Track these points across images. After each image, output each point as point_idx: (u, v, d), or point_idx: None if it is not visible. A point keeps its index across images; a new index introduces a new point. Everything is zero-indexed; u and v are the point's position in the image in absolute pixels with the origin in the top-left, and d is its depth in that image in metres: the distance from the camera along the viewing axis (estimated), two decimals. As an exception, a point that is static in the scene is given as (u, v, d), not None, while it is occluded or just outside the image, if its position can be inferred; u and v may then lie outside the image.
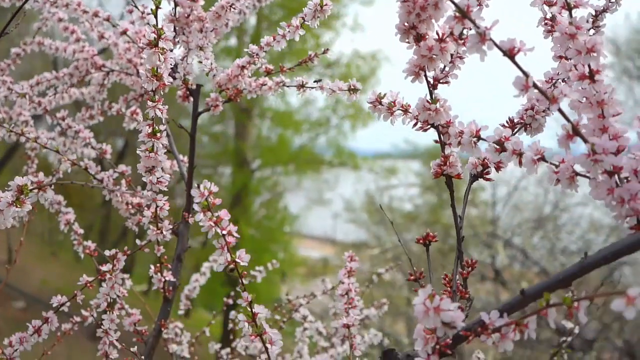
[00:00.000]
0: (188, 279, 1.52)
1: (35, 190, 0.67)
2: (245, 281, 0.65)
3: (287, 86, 0.99)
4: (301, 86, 0.96)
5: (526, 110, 0.68)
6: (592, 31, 0.73)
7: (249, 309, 0.65)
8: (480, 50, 0.51)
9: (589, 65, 0.54)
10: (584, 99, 0.55)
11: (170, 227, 0.92)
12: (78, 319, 1.15)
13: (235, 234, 0.63)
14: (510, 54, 0.51)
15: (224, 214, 0.63)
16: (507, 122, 0.69)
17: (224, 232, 0.63)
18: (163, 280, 0.98)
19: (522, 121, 0.69)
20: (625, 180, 0.52)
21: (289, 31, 0.90)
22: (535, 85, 0.51)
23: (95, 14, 1.12)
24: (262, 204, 11.88)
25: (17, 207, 0.68)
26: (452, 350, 0.56)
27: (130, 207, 1.04)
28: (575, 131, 0.52)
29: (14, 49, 1.34)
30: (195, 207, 0.62)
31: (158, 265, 0.97)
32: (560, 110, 0.52)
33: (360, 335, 1.38)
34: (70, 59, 1.27)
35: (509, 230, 6.75)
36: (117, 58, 1.17)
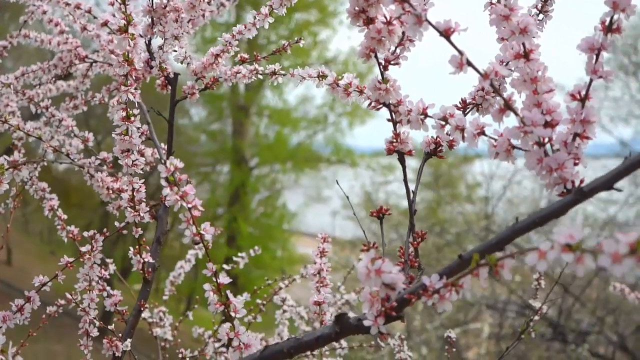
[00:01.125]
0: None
1: (11, 170, 0.71)
2: (227, 266, 0.69)
3: (261, 74, 1.02)
4: (273, 73, 1.00)
5: (477, 91, 0.72)
6: (541, 15, 0.77)
7: (214, 279, 0.69)
8: (418, 31, 0.55)
9: (523, 45, 0.58)
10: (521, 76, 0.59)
11: (147, 209, 0.96)
12: (62, 301, 1.18)
13: (200, 208, 0.67)
14: (446, 34, 0.55)
15: (190, 188, 0.67)
16: (459, 102, 0.73)
17: (190, 205, 0.67)
18: (142, 261, 1.01)
19: (473, 101, 0.72)
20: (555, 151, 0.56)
21: (258, 19, 0.94)
22: (469, 63, 0.55)
23: (77, 7, 1.15)
24: (261, 201, 11.91)
25: (-6, 185, 0.72)
26: (398, 313, 0.59)
27: (111, 192, 1.07)
28: (507, 105, 0.56)
29: (0, 42, 1.38)
30: (162, 182, 0.66)
31: (137, 247, 1.01)
32: (492, 86, 0.56)
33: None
34: (55, 50, 1.30)
35: (504, 225, 6.79)
36: (100, 49, 1.21)
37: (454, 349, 1.30)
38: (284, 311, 1.32)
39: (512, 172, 6.74)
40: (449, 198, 8.86)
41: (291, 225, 12.09)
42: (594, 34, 0.56)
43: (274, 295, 1.36)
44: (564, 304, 6.49)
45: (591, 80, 0.56)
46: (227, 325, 0.70)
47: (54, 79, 1.27)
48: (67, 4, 1.16)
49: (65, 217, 1.17)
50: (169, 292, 1.46)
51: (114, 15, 1.16)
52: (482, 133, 0.60)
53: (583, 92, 0.57)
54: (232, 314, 0.69)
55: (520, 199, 7.91)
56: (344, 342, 1.29)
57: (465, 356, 6.58)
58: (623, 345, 5.81)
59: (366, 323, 0.59)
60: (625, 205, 7.86)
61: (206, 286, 0.69)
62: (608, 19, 0.56)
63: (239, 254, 1.43)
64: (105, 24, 1.10)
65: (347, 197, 1.02)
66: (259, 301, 1.33)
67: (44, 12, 1.25)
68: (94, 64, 1.25)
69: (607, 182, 0.51)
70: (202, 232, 0.68)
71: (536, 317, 1.09)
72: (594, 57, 0.56)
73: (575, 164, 0.56)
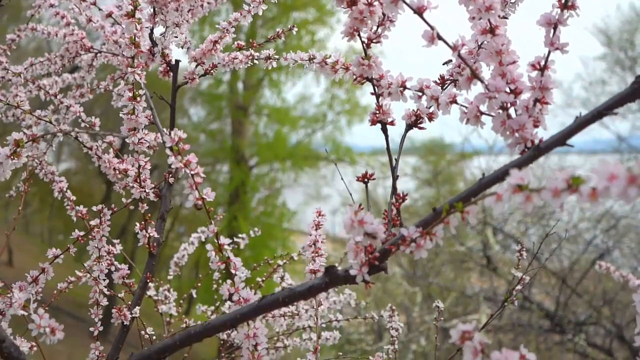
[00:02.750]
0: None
1: (30, 143, 0.78)
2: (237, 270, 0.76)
3: (256, 59, 1.09)
4: (268, 58, 1.07)
5: (455, 67, 0.79)
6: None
7: (216, 240, 0.76)
8: (394, 9, 0.62)
9: (489, 21, 0.65)
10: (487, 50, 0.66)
11: (152, 186, 1.03)
12: (73, 278, 1.25)
13: (202, 175, 0.74)
14: (419, 11, 0.62)
15: (192, 157, 0.74)
16: (438, 78, 0.80)
17: (193, 172, 0.73)
18: (148, 236, 1.08)
19: (451, 77, 0.79)
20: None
21: (253, 6, 1.01)
22: (439, 37, 0.62)
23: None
24: (260, 200, 11.97)
25: (14, 158, 0.79)
26: (381, 263, 0.66)
27: (117, 172, 1.14)
28: (474, 74, 0.63)
29: (9, 35, 1.44)
30: (167, 151, 0.73)
31: (143, 222, 1.08)
32: (460, 57, 0.63)
33: (336, 296, 1.49)
34: (61, 42, 1.37)
35: (501, 217, 6.86)
36: (104, 40, 1.28)
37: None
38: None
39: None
40: (448, 195, 8.94)
41: (291, 224, 12.14)
42: (552, 10, 0.63)
43: (273, 273, 1.43)
44: (561, 296, 6.57)
45: (549, 52, 0.63)
46: (228, 282, 0.77)
47: (60, 70, 1.34)
48: (74, -3, 1.22)
49: (74, 198, 1.24)
50: (173, 273, 1.53)
51: (118, 7, 1.23)
52: (454, 101, 0.67)
53: (542, 63, 0.64)
54: (233, 272, 0.76)
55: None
56: (339, 315, 1.36)
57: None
58: (620, 336, 5.88)
59: (352, 272, 0.66)
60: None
61: (208, 246, 0.76)
62: (564, -3, 0.63)
63: (240, 235, 1.50)
64: (109, 15, 1.17)
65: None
66: (258, 279, 1.39)
67: (51, 5, 1.32)
68: (98, 54, 1.32)
69: (560, 140, 0.58)
70: (204, 196, 0.75)
71: (518, 287, 1.16)
72: (552, 30, 0.63)
73: (536, 126, 0.63)
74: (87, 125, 1.19)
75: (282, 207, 11.95)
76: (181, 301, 1.50)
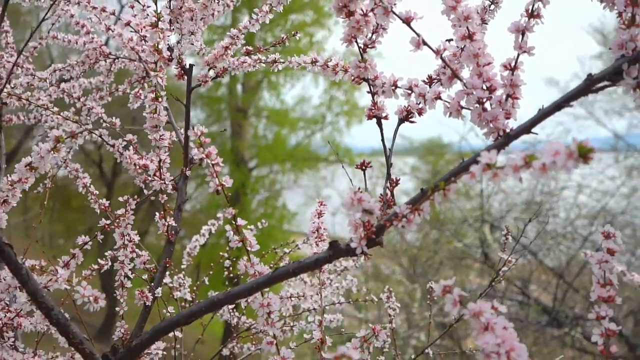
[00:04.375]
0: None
1: (69, 138, 0.89)
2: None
3: (264, 62, 1.20)
4: (274, 61, 1.18)
5: (439, 68, 0.90)
6: (492, 6, 0.95)
7: (234, 222, 0.87)
8: (385, 19, 0.73)
9: (467, 28, 0.76)
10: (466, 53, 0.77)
11: (171, 178, 1.14)
12: (96, 266, 1.36)
13: (221, 164, 0.85)
14: (407, 21, 0.73)
15: (213, 149, 0.85)
16: (426, 78, 0.91)
17: (213, 162, 0.85)
18: (167, 225, 1.19)
19: (437, 77, 0.90)
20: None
21: (260, 16, 1.12)
22: (424, 42, 0.73)
23: (103, 10, 1.33)
24: (260, 202, 12.07)
25: (54, 153, 0.90)
26: (377, 237, 0.77)
27: (137, 167, 1.25)
28: (454, 74, 0.74)
29: (31, 43, 1.56)
30: (191, 143, 0.83)
31: (162, 212, 1.19)
32: (442, 59, 0.74)
33: (339, 282, 1.60)
34: (80, 49, 1.48)
35: (499, 214, 6.98)
36: (122, 46, 1.39)
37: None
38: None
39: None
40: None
41: (291, 225, 12.23)
42: (520, 19, 0.74)
43: (280, 262, 1.54)
44: (558, 292, 6.68)
45: (518, 55, 0.74)
46: (244, 258, 0.88)
47: (80, 75, 1.45)
48: (94, 7, 1.33)
49: (97, 192, 1.35)
50: (186, 262, 1.64)
51: (134, 17, 1.34)
52: (439, 97, 0.79)
53: (513, 64, 0.75)
54: (248, 249, 0.87)
55: (512, 190, 8.09)
56: (342, 298, 1.46)
57: (464, 344, 6.75)
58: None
59: (353, 245, 0.77)
60: (621, 197, 8.05)
61: (227, 227, 0.87)
62: (530, 7, 0.74)
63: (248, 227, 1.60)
64: (128, 23, 1.28)
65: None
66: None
67: (72, 16, 1.43)
68: (116, 60, 1.43)
69: (527, 128, 0.69)
70: (223, 182, 0.86)
71: (505, 268, 1.26)
72: (520, 36, 0.74)
73: (507, 118, 0.74)
74: (108, 125, 1.30)
75: (283, 209, 12.04)
76: (195, 288, 1.60)
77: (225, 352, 1.64)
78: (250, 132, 12.30)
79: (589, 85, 0.67)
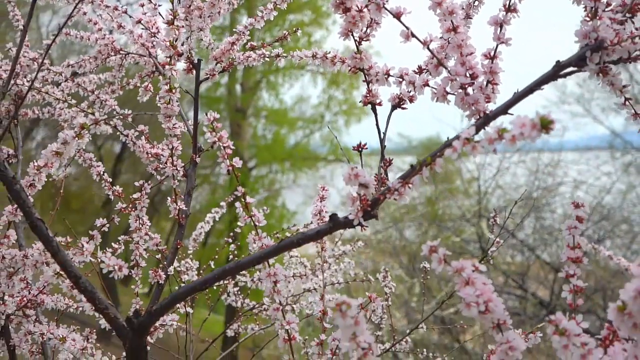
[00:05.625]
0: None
1: (93, 125, 0.98)
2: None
3: (267, 57, 1.29)
4: (277, 56, 1.27)
5: (428, 59, 0.99)
6: (476, 2, 1.04)
7: (243, 200, 0.96)
8: (378, 14, 0.82)
9: (452, 22, 0.85)
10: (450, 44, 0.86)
11: (182, 164, 1.23)
12: (110, 250, 1.45)
13: (232, 147, 0.94)
14: (397, 16, 0.82)
15: (224, 133, 0.94)
16: (417, 68, 1.00)
17: (224, 145, 0.94)
18: (178, 208, 1.28)
19: (426, 67, 0.99)
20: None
21: (265, 13, 1.22)
22: (413, 35, 0.82)
23: (115, 8, 1.42)
24: (260, 202, 12.15)
25: (79, 139, 0.99)
26: (373, 210, 0.86)
27: (149, 155, 1.34)
28: (439, 63, 0.83)
29: (45, 40, 1.64)
30: (204, 128, 0.92)
31: (174, 197, 1.28)
32: (429, 49, 0.83)
33: (337, 265, 1.69)
34: (92, 45, 1.57)
35: (497, 211, 7.07)
36: (133, 42, 1.48)
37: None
38: (291, 256, 1.59)
39: (500, 159, 7.03)
40: (447, 193, 9.12)
41: (291, 225, 12.24)
42: (498, 12, 0.83)
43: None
44: (555, 286, 6.78)
45: (497, 45, 0.83)
46: (253, 232, 0.97)
47: (94, 70, 1.54)
48: (107, 6, 1.42)
49: (110, 180, 1.44)
50: (192, 248, 1.73)
51: (144, 14, 1.43)
52: (427, 84, 0.88)
53: (492, 53, 0.84)
54: (257, 224, 0.96)
55: (513, 187, 8.20)
56: (340, 278, 1.55)
57: (461, 339, 6.85)
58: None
59: (350, 217, 0.85)
60: (618, 193, 8.16)
61: (237, 204, 0.96)
62: (508, 2, 0.83)
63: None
64: (139, 21, 1.37)
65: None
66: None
67: (85, 14, 1.52)
68: (127, 56, 1.52)
69: (503, 110, 0.78)
70: (233, 163, 0.95)
71: (493, 248, 1.35)
72: (499, 28, 0.83)
73: (487, 101, 0.83)
74: (121, 117, 1.38)
75: (282, 208, 12.13)
76: (201, 271, 1.69)
77: (230, 333, 1.73)
78: (249, 132, 12.38)
79: (557, 71, 0.76)
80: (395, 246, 8.03)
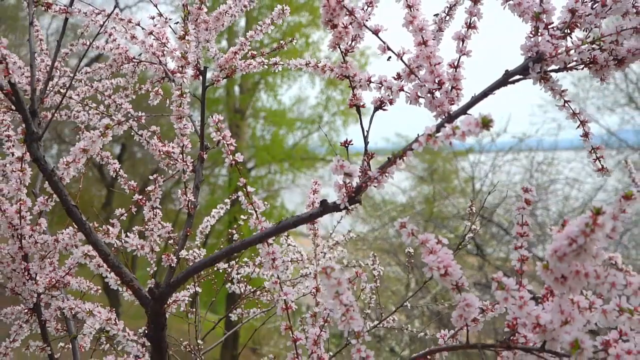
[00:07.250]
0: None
1: (117, 125, 1.13)
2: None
3: (267, 65, 1.45)
4: (275, 63, 1.43)
5: (404, 68, 1.14)
6: (447, 17, 1.20)
7: (245, 189, 1.12)
8: (360, 31, 0.98)
9: (422, 37, 1.01)
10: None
11: (192, 160, 1.39)
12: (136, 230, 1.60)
13: (234, 144, 1.10)
14: (376, 32, 0.98)
15: (228, 132, 1.10)
16: (395, 75, 1.16)
17: (228, 142, 1.09)
18: (187, 200, 1.44)
19: (402, 75, 1.15)
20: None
21: (264, 27, 1.37)
22: (388, 48, 0.97)
23: (129, 20, 1.58)
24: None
25: (103, 137, 1.14)
26: (356, 196, 1.02)
27: (161, 153, 1.50)
28: (410, 71, 0.99)
29: (63, 49, 1.80)
30: (210, 128, 1.08)
31: (184, 189, 1.44)
32: (402, 60, 0.98)
33: (330, 254, 1.85)
34: (107, 54, 1.73)
35: (491, 209, 7.23)
36: (144, 52, 1.63)
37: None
38: (289, 244, 1.75)
39: (493, 158, 7.19)
40: (444, 192, 9.26)
41: (290, 224, 12.33)
42: (461, 29, 0.99)
43: (279, 237, 1.78)
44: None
45: (460, 57, 0.99)
46: (254, 216, 1.13)
47: (109, 77, 1.70)
48: (121, 19, 1.58)
49: (126, 175, 1.59)
50: (199, 239, 1.89)
51: (154, 25, 1.58)
52: (402, 89, 1.03)
53: (456, 64, 1.00)
54: (257, 209, 1.12)
55: (509, 185, 8.36)
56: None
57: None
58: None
59: (337, 202, 1.01)
60: (613, 191, 8.32)
61: (240, 193, 1.12)
62: (468, 21, 0.99)
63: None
64: (150, 32, 1.53)
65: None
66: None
67: (101, 25, 1.67)
68: (139, 64, 1.68)
69: (462, 111, 0.94)
70: (236, 158, 1.10)
71: (469, 235, 1.51)
72: (461, 42, 0.99)
73: (451, 104, 0.99)
74: (135, 119, 1.54)
75: (281, 209, 12.27)
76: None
77: (233, 317, 1.89)
78: (248, 133, 12.53)
79: (506, 78, 0.92)
80: (392, 244, 8.19)
